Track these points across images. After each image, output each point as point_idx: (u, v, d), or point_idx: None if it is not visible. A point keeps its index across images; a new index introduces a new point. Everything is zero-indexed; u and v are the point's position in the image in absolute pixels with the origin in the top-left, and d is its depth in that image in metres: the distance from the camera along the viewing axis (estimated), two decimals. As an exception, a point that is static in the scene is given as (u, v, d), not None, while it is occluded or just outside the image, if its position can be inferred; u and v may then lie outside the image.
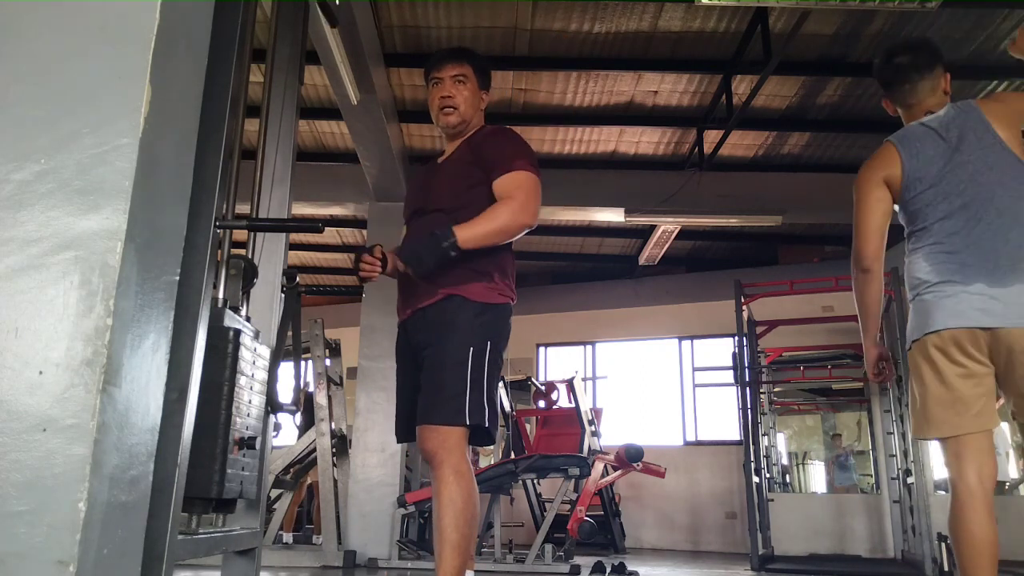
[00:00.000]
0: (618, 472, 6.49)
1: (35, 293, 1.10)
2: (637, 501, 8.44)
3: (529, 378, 8.50)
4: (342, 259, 9.05)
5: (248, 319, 1.85)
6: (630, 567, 4.75)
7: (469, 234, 1.97)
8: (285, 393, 1.97)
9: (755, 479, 5.92)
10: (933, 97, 2.18)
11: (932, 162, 2.06)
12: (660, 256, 7.92)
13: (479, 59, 2.27)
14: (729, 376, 7.06)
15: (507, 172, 2.06)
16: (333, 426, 5.66)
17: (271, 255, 2.17)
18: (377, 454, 5.76)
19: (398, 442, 2.15)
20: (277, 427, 2.04)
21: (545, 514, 5.66)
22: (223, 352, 1.62)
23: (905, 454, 6.28)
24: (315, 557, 5.35)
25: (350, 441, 5.91)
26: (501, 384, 7.30)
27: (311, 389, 5.70)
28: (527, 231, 2.07)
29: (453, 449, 1.92)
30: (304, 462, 5.97)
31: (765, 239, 8.21)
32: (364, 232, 7.05)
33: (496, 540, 5.40)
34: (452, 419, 1.92)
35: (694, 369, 9.14)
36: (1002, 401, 2.08)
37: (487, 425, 1.96)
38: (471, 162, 2.14)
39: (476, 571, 2.04)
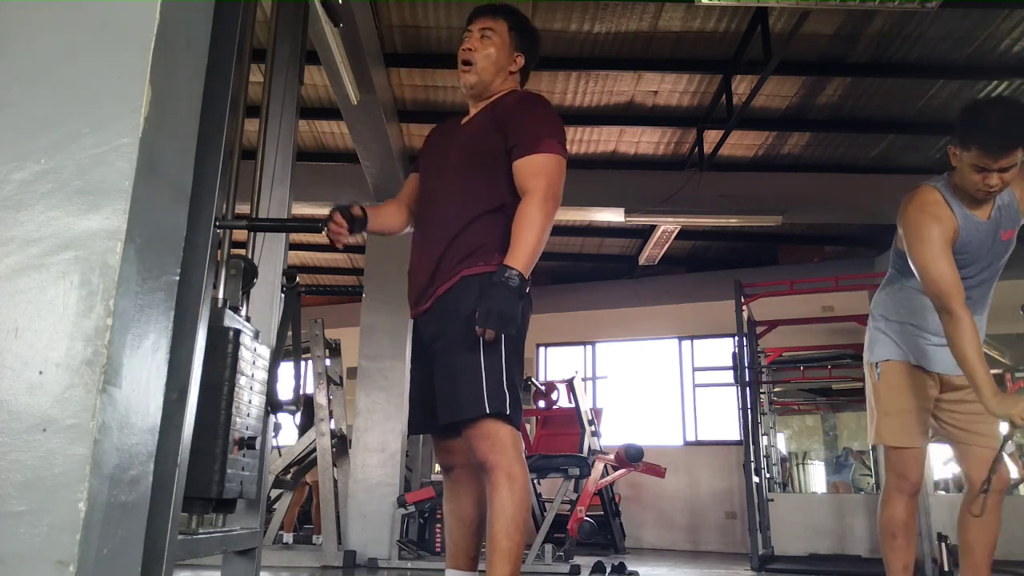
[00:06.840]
0: (618, 472, 6.48)
1: (35, 293, 1.10)
2: (637, 501, 8.43)
3: (529, 378, 8.49)
4: (342, 259, 9.05)
5: (248, 319, 1.85)
6: (630, 567, 4.74)
7: (522, 259, 1.81)
8: (285, 393, 1.96)
9: (755, 479, 5.92)
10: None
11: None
12: (660, 256, 7.91)
13: (518, 17, 2.12)
14: (729, 376, 7.05)
15: (529, 154, 1.90)
16: (333, 426, 5.66)
17: (271, 255, 2.17)
18: (377, 454, 5.76)
19: (411, 434, 2.10)
20: (277, 427, 2.04)
21: (545, 514, 5.65)
22: (223, 352, 1.62)
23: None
24: (315, 557, 5.35)
25: (350, 441, 5.91)
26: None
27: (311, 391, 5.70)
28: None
29: (504, 451, 1.79)
30: (304, 462, 5.97)
31: (765, 239, 8.20)
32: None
33: (496, 540, 5.39)
34: (472, 410, 1.79)
35: (694, 369, 9.13)
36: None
37: (508, 412, 1.81)
38: (492, 129, 1.97)
39: (476, 571, 2.03)
